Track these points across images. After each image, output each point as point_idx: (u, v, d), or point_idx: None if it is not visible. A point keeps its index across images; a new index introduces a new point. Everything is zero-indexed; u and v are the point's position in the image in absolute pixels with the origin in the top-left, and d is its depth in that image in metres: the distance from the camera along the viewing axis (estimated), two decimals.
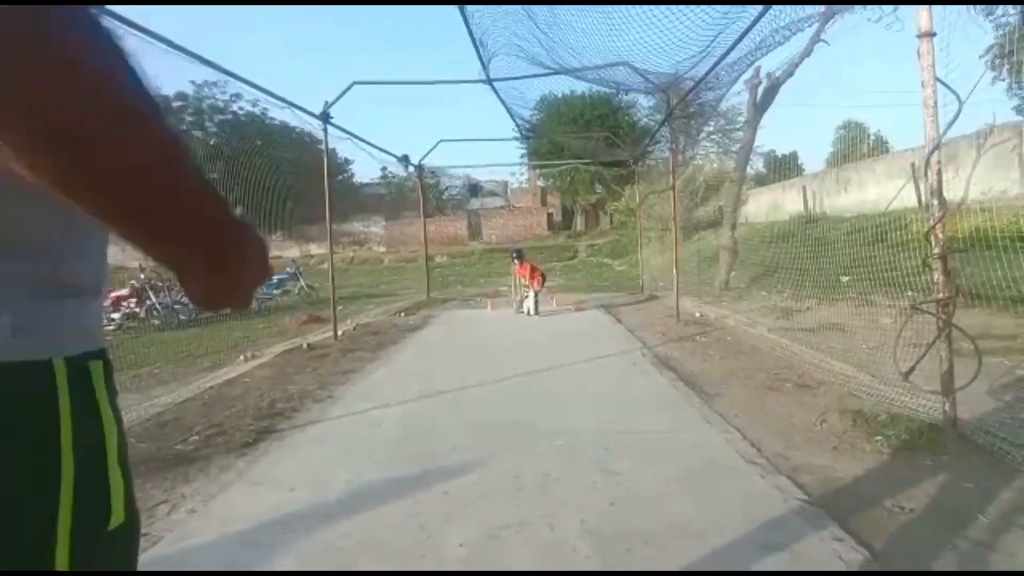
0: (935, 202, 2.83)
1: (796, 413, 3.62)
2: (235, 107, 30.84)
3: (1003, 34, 14.39)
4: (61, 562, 0.54)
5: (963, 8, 7.53)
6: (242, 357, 6.29)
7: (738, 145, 14.08)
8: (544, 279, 9.63)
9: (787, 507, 2.41)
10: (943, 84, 2.79)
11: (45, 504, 0.54)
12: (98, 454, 0.60)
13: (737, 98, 12.80)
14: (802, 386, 4.20)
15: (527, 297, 9.19)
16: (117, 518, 0.61)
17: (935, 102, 2.76)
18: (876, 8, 3.63)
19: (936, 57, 2.84)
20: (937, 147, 2.77)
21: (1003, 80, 18.85)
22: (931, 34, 2.74)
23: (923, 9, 2.73)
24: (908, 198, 9.10)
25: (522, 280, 9.47)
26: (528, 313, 8.98)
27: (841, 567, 1.99)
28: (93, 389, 0.60)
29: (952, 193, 11.84)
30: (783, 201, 17.77)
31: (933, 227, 2.83)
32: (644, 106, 26.28)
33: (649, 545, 2.16)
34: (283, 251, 30.90)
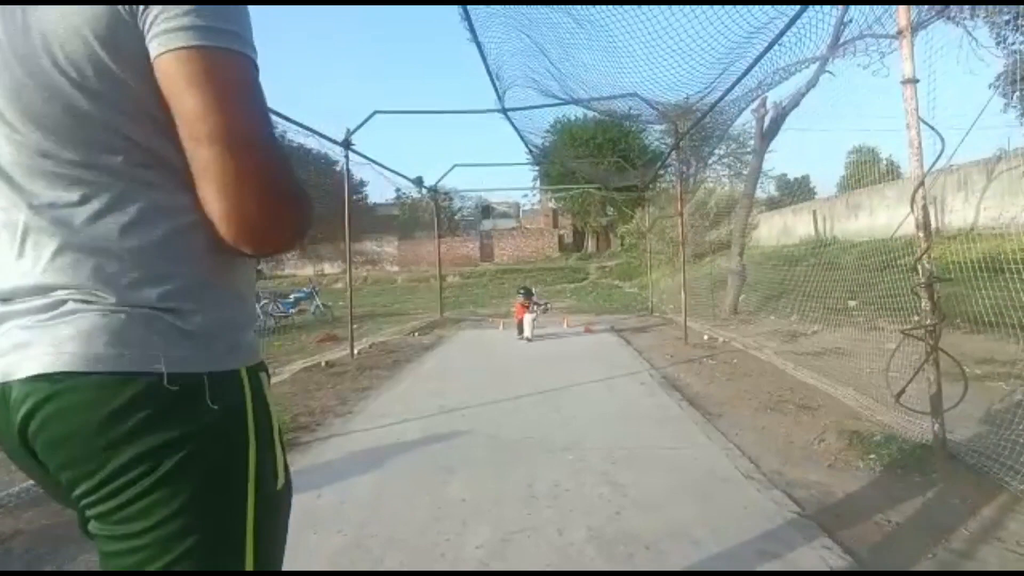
0: (921, 235, 3.03)
1: (795, 432, 3.79)
2: None
3: (1013, 61, 14.61)
4: (251, 511, 0.78)
5: (966, 41, 7.76)
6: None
7: (748, 169, 14.32)
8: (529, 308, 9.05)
9: (781, 518, 2.58)
10: (927, 125, 3.01)
11: (241, 469, 0.78)
12: (268, 435, 0.82)
13: (749, 123, 13.10)
14: (803, 407, 4.37)
15: (524, 327, 8.88)
16: (280, 481, 0.84)
17: (919, 143, 2.99)
18: (864, 55, 3.88)
19: (921, 100, 3.07)
20: (921, 184, 2.98)
21: (1014, 107, 19.03)
22: (914, 80, 2.97)
23: (906, 58, 2.97)
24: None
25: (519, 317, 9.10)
26: (528, 337, 8.74)
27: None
28: (262, 388, 0.83)
29: (962, 219, 11.98)
30: (794, 225, 17.94)
31: (919, 258, 3.02)
32: (655, 129, 26.72)
33: (650, 550, 2.35)
34: (298, 270, 31.46)
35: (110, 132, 0.73)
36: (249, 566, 0.78)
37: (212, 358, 0.76)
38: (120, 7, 0.69)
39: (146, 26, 0.69)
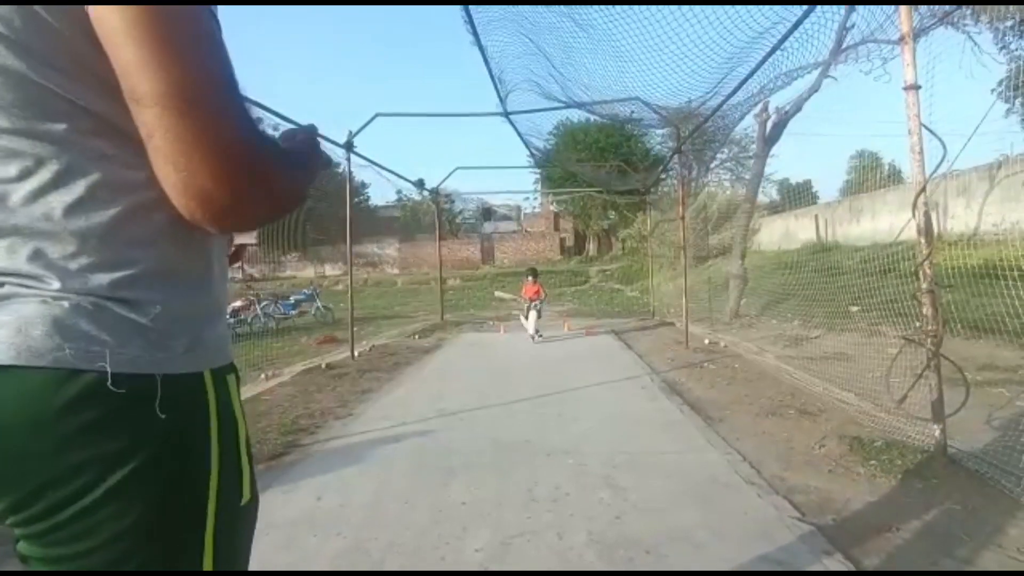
0: (922, 241, 3.03)
1: (796, 438, 3.78)
2: None
3: (1016, 67, 14.62)
4: (209, 530, 0.69)
5: (969, 46, 7.77)
6: (263, 376, 6.54)
7: (750, 173, 14.32)
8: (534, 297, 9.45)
9: (781, 524, 2.57)
10: (929, 131, 3.02)
11: (201, 484, 0.69)
12: (234, 446, 0.74)
13: (752, 127, 13.12)
14: (804, 412, 4.36)
15: (529, 317, 9.15)
16: (245, 496, 0.76)
17: (921, 148, 2.99)
18: (866, 61, 3.89)
19: (923, 106, 3.07)
20: (923, 190, 2.98)
21: (1016, 113, 19.03)
22: (916, 87, 2.98)
23: (908, 64, 2.98)
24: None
25: (526, 298, 9.49)
26: (533, 338, 8.94)
27: None
28: (229, 394, 0.75)
29: (964, 224, 11.96)
30: (796, 229, 17.95)
31: (921, 264, 3.02)
32: (657, 133, 26.75)
33: (651, 554, 2.34)
34: (299, 271, 31.45)
35: (49, 94, 0.62)
36: None
37: (169, 358, 0.67)
38: None
39: None
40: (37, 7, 0.60)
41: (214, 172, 0.61)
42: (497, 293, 10.88)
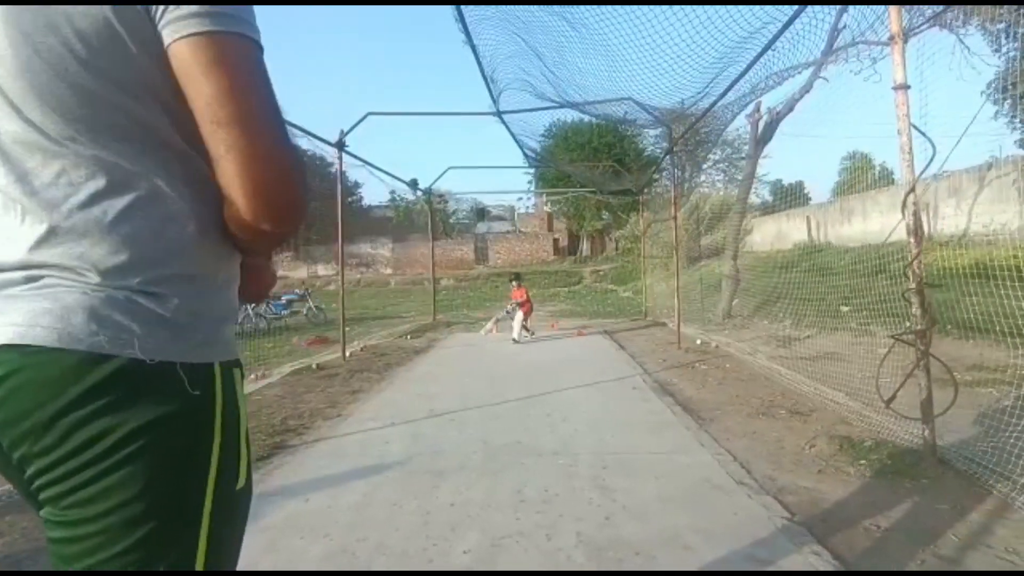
0: (911, 240, 3.04)
1: (786, 438, 3.79)
2: None
3: (1005, 69, 14.71)
4: (207, 507, 0.76)
5: (958, 48, 7.80)
6: (252, 376, 6.49)
7: (743, 174, 14.35)
8: (530, 311, 9.38)
9: (771, 524, 2.57)
10: (919, 131, 3.02)
11: (203, 463, 0.76)
12: (235, 432, 0.81)
13: (744, 128, 13.16)
14: (795, 412, 4.36)
15: (512, 318, 9.14)
16: (241, 482, 0.82)
17: (910, 148, 2.99)
18: (856, 61, 3.89)
19: (913, 107, 3.08)
20: (912, 190, 2.99)
21: (1004, 115, 19.17)
22: (905, 86, 2.98)
23: (898, 64, 2.98)
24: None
25: (514, 302, 9.38)
26: (516, 339, 8.85)
27: None
28: (234, 385, 0.82)
29: (954, 225, 12.02)
30: (788, 230, 18.01)
31: (910, 263, 3.03)
32: (650, 134, 26.79)
33: (640, 556, 2.33)
34: (292, 271, 31.31)
35: (117, 113, 0.73)
36: (200, 565, 0.76)
37: (188, 348, 0.75)
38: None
39: (158, 14, 0.71)
40: (125, 36, 0.71)
41: (278, 177, 0.75)
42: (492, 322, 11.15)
